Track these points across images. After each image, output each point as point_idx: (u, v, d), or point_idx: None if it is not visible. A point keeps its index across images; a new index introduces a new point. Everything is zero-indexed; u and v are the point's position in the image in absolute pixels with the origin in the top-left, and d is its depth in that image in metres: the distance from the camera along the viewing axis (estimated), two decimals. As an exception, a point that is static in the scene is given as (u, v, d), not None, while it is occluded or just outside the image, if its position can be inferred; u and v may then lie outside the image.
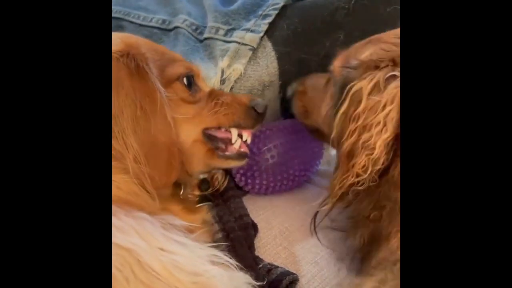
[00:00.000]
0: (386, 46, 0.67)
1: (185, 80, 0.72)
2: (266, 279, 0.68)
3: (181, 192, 0.74)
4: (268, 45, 0.89)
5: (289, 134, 0.88)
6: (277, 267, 0.73)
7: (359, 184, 0.63)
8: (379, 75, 0.63)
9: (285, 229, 0.82)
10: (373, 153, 0.62)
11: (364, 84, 0.64)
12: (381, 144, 0.61)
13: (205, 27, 0.93)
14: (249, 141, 0.80)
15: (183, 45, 0.92)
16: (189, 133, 0.73)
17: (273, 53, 0.89)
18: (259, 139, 0.85)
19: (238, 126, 0.77)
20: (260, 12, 0.91)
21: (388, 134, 0.61)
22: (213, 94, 0.77)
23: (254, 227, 0.80)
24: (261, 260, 0.75)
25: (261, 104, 0.79)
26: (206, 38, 0.92)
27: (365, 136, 0.62)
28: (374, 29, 0.93)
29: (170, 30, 0.96)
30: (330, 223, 0.77)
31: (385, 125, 0.61)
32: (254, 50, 0.88)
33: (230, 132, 0.77)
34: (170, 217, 0.62)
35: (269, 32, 0.89)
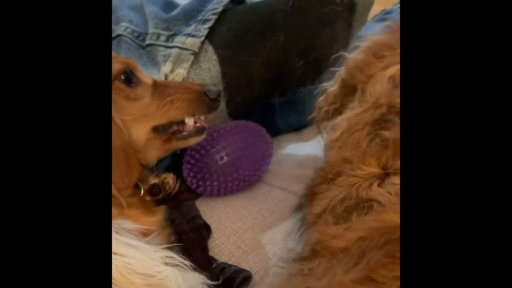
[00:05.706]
0: None
1: (122, 76, 0.72)
2: (221, 278, 0.69)
3: (141, 193, 0.75)
4: (210, 49, 0.90)
5: (236, 134, 0.89)
6: (231, 265, 0.74)
7: None
8: None
9: (238, 228, 0.83)
10: None
11: None
12: None
13: (147, 33, 0.93)
14: (202, 118, 0.80)
15: (125, 52, 0.92)
16: (140, 133, 0.74)
17: (215, 57, 0.90)
18: (207, 142, 0.86)
19: (192, 116, 0.78)
20: (200, 17, 0.92)
21: None
22: (159, 87, 0.77)
23: (207, 228, 0.81)
24: (215, 260, 0.76)
25: (213, 90, 0.79)
26: (148, 45, 0.92)
27: None
28: (313, 29, 0.97)
29: (112, 39, 0.95)
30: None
31: None
32: (196, 54, 0.89)
33: None
34: (123, 222, 0.62)
35: (210, 36, 0.91)
